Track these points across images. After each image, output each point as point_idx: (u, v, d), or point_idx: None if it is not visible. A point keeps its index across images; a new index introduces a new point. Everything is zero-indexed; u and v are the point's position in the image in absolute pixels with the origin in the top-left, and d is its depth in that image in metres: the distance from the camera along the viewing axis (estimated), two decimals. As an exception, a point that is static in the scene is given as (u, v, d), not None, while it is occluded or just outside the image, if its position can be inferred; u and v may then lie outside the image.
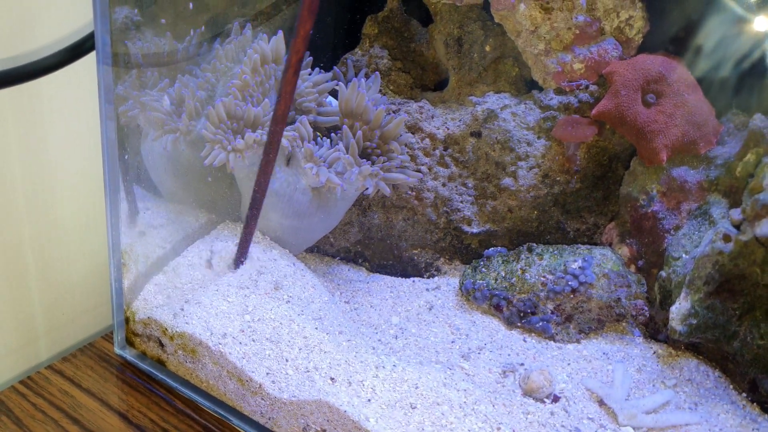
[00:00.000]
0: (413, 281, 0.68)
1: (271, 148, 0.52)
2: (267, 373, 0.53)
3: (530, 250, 0.62)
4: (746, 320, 0.51)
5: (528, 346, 0.58)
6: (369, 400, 0.50)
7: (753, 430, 0.48)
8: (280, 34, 0.62)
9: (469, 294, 0.63)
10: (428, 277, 0.69)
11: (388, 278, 0.69)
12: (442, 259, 0.69)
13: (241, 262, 0.59)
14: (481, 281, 0.62)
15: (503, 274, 0.62)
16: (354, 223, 0.69)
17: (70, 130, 0.64)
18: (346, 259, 0.72)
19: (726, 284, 0.51)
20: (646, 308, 0.58)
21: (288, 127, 0.61)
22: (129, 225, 0.62)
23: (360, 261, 0.72)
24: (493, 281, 0.61)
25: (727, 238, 0.50)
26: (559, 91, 0.62)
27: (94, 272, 0.71)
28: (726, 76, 0.56)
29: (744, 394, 0.52)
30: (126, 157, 0.60)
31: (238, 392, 0.55)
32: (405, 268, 0.70)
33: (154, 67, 0.63)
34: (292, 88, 0.48)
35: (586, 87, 0.61)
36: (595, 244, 0.63)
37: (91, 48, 0.53)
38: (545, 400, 0.52)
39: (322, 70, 0.66)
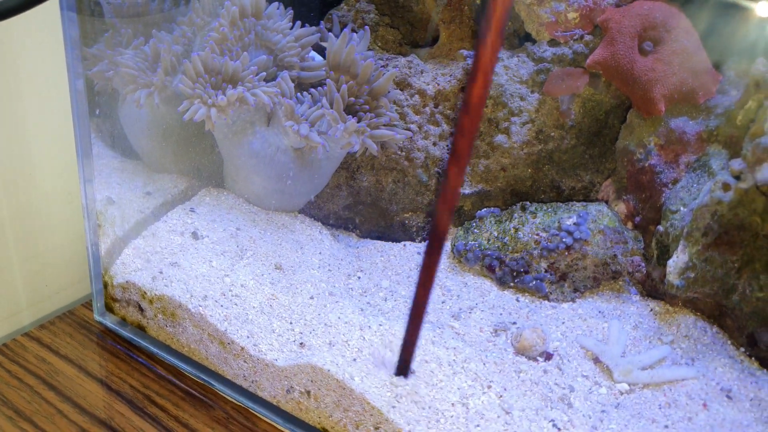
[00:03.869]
0: (404, 245, 0.66)
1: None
2: (248, 336, 0.51)
3: (524, 208, 0.60)
4: (745, 273, 0.49)
5: (521, 305, 0.56)
6: (354, 360, 0.48)
7: (751, 383, 0.47)
8: (261, -15, 0.59)
9: (460, 255, 0.61)
10: (420, 242, 0.67)
11: (378, 243, 0.66)
12: (432, 222, 0.67)
13: (407, 371, 0.45)
14: (473, 242, 0.60)
15: (496, 234, 0.59)
16: (342, 187, 0.67)
17: (41, 90, 0.61)
18: (335, 225, 0.69)
19: (725, 235, 0.49)
20: (643, 265, 0.56)
21: (269, 83, 0.59)
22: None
23: (350, 227, 0.69)
24: (486, 242, 0.59)
25: (726, 186, 0.48)
26: (553, 43, 0.59)
27: (77, 243, 0.69)
28: (729, 22, 0.53)
29: (742, 349, 0.50)
30: (97, 112, 0.57)
31: (220, 356, 0.53)
32: (396, 233, 0.68)
33: (129, 19, 0.60)
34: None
35: (581, 37, 0.58)
36: (591, 201, 0.61)
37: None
38: (538, 358, 0.50)
39: (306, 24, 0.63)
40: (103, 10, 0.60)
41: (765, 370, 0.49)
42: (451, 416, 0.45)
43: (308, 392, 0.49)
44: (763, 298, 0.48)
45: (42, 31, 0.59)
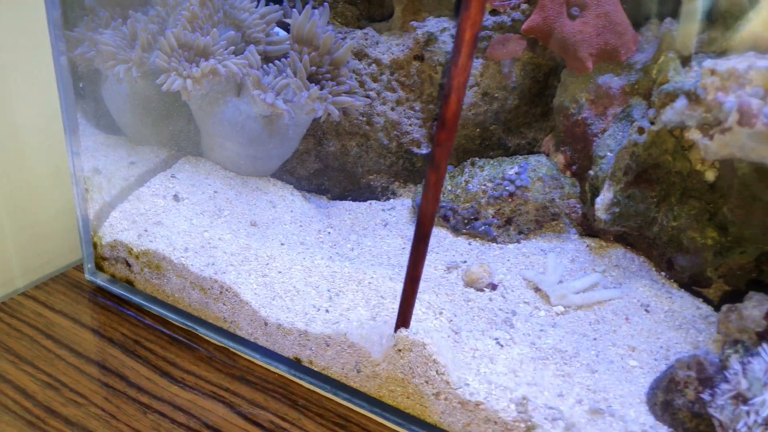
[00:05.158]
0: (370, 203, 0.72)
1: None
2: (226, 281, 0.57)
3: (473, 164, 0.66)
4: (663, 206, 0.56)
5: (472, 248, 0.63)
6: (329, 298, 0.54)
7: (666, 298, 0.54)
8: (227, -33, 0.65)
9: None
10: (384, 200, 0.73)
11: (347, 203, 0.73)
12: (396, 182, 0.73)
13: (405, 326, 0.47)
14: (429, 196, 0.66)
15: (450, 188, 0.66)
16: (311, 152, 0.72)
17: (26, 72, 0.66)
18: (307, 189, 0.75)
19: (643, 174, 0.56)
20: (579, 206, 0.62)
21: (238, 56, 0.64)
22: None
23: (321, 191, 0.75)
24: (441, 195, 0.66)
25: (641, 130, 0.55)
26: (494, 12, 0.66)
27: (67, 215, 0.74)
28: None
29: (663, 273, 0.57)
30: (81, 85, 0.63)
31: (202, 301, 0.59)
32: (363, 195, 0.74)
33: (106, 2, 0.65)
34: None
35: (518, 6, 0.65)
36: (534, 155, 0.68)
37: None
38: (485, 289, 0.57)
39: (271, 2, 0.69)
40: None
41: (682, 290, 0.56)
42: (406, 337, 0.51)
43: (280, 326, 0.55)
44: (677, 226, 0.55)
45: (23, 17, 0.64)
